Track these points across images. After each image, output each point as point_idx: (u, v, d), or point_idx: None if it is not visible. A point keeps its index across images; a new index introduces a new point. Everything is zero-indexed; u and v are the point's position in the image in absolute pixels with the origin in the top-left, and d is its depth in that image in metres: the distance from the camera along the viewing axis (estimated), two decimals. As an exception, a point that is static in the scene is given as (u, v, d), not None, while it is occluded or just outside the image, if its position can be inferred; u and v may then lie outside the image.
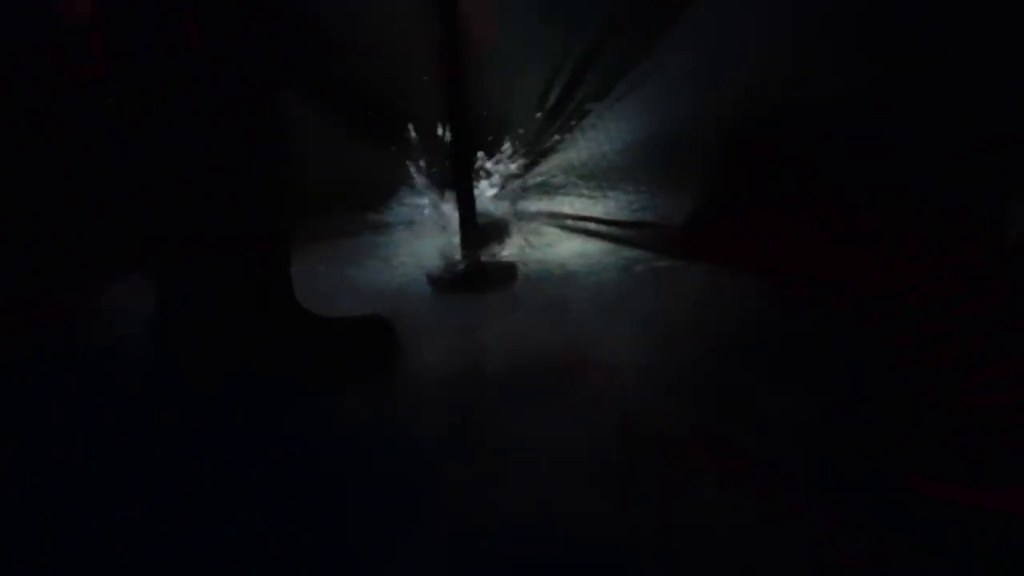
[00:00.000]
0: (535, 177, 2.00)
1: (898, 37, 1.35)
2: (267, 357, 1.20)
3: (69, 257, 1.65)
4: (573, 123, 1.89)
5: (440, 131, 1.60)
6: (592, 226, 1.86)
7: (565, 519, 0.85)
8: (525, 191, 2.04)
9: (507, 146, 2.00)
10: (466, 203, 1.59)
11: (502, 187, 2.08)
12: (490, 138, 1.86)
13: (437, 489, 0.92)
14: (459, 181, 1.58)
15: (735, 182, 1.59)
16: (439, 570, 0.79)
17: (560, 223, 1.94)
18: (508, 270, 1.65)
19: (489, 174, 1.94)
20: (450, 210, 1.73)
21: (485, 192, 2.05)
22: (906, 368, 1.07)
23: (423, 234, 1.98)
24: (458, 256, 1.61)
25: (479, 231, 1.63)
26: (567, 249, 1.81)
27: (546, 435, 1.02)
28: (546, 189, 1.99)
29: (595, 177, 1.86)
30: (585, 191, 1.89)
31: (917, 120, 1.33)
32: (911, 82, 1.33)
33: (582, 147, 1.87)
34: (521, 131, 1.98)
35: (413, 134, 1.67)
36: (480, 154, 1.62)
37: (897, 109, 1.35)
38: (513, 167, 2.03)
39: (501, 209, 2.09)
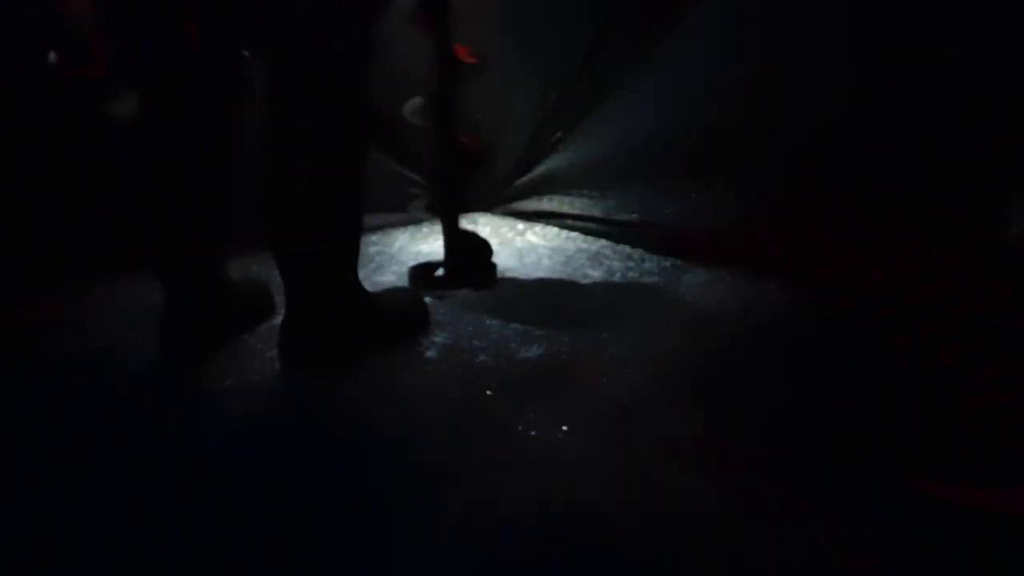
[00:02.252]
0: (535, 177, 2.00)
1: (898, 37, 1.35)
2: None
3: (69, 257, 1.65)
4: (573, 123, 1.89)
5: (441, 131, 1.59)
6: (592, 226, 1.86)
7: (565, 519, 0.85)
8: (524, 191, 2.04)
9: (506, 147, 2.00)
10: (452, 219, 1.59)
11: (501, 190, 2.08)
12: (489, 140, 1.86)
13: (437, 489, 0.92)
14: (447, 193, 1.58)
15: (735, 182, 1.59)
16: (439, 570, 0.79)
17: (560, 223, 1.94)
18: (494, 273, 1.65)
19: (486, 177, 1.93)
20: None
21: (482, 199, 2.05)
22: (906, 368, 1.07)
23: (421, 237, 1.99)
24: (446, 259, 1.60)
25: (465, 241, 1.62)
26: (566, 249, 1.81)
27: (546, 435, 1.02)
28: (546, 189, 1.99)
29: (595, 177, 1.85)
30: (585, 191, 1.89)
31: (917, 120, 1.32)
32: (911, 82, 1.33)
33: (582, 147, 1.87)
34: (521, 132, 1.98)
35: (411, 136, 1.66)
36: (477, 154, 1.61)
37: (897, 109, 1.35)
38: (512, 168, 2.03)
39: (496, 214, 2.09)
